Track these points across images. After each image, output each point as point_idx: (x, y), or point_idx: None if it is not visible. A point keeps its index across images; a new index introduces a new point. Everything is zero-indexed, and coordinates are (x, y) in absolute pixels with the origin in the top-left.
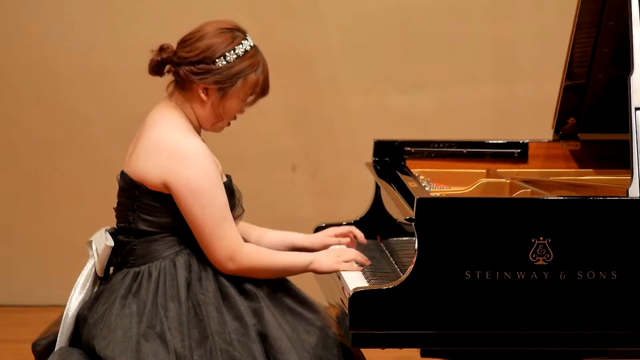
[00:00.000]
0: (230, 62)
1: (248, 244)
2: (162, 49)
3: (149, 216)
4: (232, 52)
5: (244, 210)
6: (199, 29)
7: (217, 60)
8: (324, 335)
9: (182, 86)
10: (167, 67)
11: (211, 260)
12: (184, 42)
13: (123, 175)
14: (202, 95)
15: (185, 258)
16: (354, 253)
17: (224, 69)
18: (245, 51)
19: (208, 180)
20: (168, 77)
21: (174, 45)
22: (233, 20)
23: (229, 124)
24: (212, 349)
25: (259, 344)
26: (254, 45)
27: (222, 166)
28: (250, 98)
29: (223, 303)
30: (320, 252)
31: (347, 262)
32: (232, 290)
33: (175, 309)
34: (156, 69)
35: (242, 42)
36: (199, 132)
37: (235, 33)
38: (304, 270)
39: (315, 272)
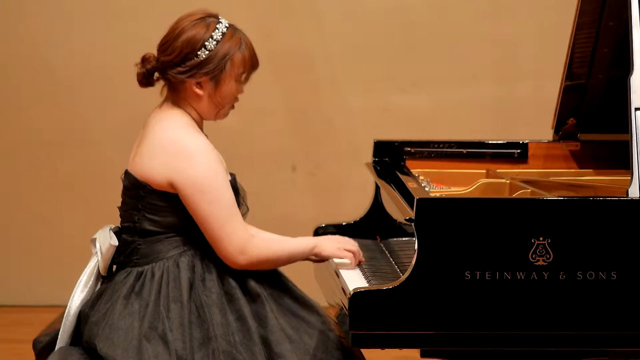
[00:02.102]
0: (212, 49)
1: (256, 236)
2: (144, 59)
3: (154, 216)
4: (210, 39)
5: (248, 209)
6: (172, 28)
7: (199, 52)
8: (325, 338)
9: (175, 88)
10: (156, 75)
11: (221, 256)
12: (162, 46)
13: (127, 175)
14: (197, 90)
15: (188, 259)
16: (354, 245)
17: (208, 58)
18: (223, 34)
19: (214, 176)
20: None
21: (155, 52)
22: (202, 8)
23: (232, 106)
24: (215, 351)
25: (261, 347)
26: (230, 25)
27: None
28: (244, 76)
29: (227, 305)
30: (323, 237)
31: (347, 251)
32: (237, 292)
33: (178, 310)
34: (145, 80)
35: (217, 26)
36: (201, 128)
37: (208, 20)
38: (309, 253)
39: (318, 255)
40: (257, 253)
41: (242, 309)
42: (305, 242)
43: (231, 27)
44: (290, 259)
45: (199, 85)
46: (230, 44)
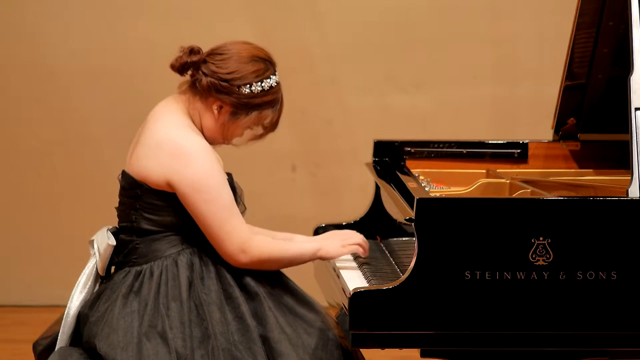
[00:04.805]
0: (254, 93)
1: (257, 236)
2: (192, 51)
3: (151, 215)
4: (259, 83)
5: (245, 208)
6: (233, 46)
7: (242, 86)
8: (324, 337)
9: (198, 93)
10: (190, 69)
11: (222, 255)
12: (215, 55)
13: (124, 174)
14: (215, 110)
15: (187, 257)
16: (359, 237)
17: (244, 97)
18: (271, 87)
19: (212, 176)
20: (175, 78)
21: (204, 51)
22: (267, 50)
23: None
24: (215, 349)
25: (260, 346)
26: (279, 82)
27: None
28: (257, 129)
29: (226, 302)
30: (326, 237)
31: (352, 245)
32: (235, 290)
33: (177, 309)
34: (181, 69)
35: (271, 76)
36: (201, 131)
37: (268, 65)
38: (313, 257)
39: (323, 258)
40: (259, 251)
41: (240, 307)
42: (309, 246)
43: (279, 85)
44: (293, 262)
45: (220, 108)
46: (270, 99)
